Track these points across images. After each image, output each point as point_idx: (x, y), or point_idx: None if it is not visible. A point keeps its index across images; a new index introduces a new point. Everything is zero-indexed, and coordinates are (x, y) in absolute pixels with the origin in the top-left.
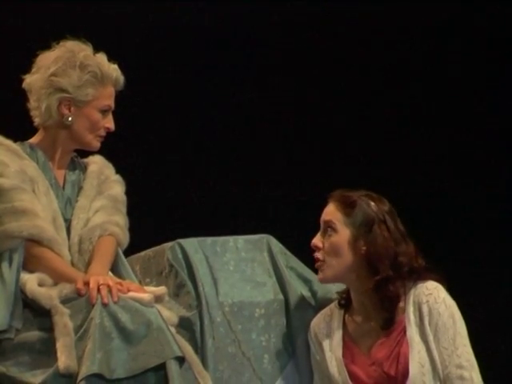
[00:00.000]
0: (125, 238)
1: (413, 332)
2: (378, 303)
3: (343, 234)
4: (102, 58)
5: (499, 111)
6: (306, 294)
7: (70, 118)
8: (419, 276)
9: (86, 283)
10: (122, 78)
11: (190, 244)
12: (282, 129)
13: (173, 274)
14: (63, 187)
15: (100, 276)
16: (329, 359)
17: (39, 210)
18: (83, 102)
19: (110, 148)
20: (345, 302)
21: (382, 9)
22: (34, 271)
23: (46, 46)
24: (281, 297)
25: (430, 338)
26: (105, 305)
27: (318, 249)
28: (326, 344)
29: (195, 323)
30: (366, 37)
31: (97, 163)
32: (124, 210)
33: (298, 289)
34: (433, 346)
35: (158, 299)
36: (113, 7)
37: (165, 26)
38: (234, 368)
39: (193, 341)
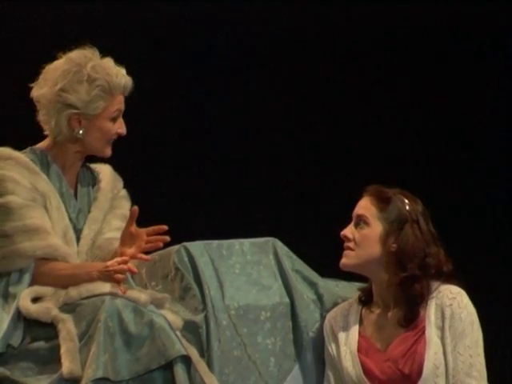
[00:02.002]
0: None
1: (432, 333)
2: (401, 300)
3: (375, 228)
4: (109, 64)
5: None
6: (312, 297)
7: (81, 132)
8: (445, 279)
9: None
10: (130, 83)
11: (196, 247)
12: (288, 130)
13: (179, 278)
14: (75, 195)
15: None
16: (343, 353)
17: (49, 226)
18: (93, 115)
19: (115, 152)
20: (365, 298)
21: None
22: (44, 285)
23: (53, 52)
24: (286, 300)
25: (448, 341)
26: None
27: (347, 239)
28: (341, 337)
29: (201, 326)
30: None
31: (108, 175)
32: None
33: (303, 292)
34: (449, 349)
35: (157, 303)
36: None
37: (163, 27)
38: (240, 371)
39: (199, 344)
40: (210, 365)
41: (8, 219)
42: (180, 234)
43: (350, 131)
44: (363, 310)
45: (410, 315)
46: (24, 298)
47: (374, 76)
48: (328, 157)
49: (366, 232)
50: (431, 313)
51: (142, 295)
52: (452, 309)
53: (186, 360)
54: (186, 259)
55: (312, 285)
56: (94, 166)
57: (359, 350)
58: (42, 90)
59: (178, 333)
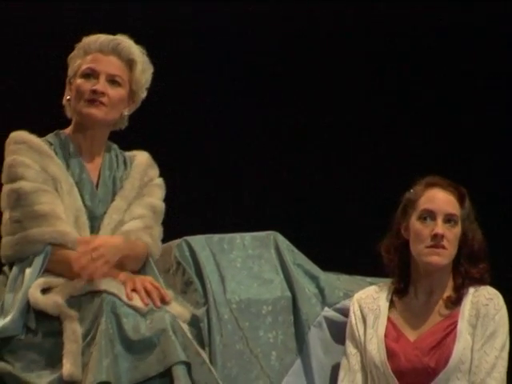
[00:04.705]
0: (157, 250)
1: (463, 328)
2: (456, 285)
3: (460, 226)
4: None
5: None
6: (313, 290)
7: (68, 97)
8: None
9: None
10: (112, 42)
11: (197, 241)
12: (287, 128)
13: (180, 272)
14: (97, 182)
15: (131, 278)
16: (369, 335)
17: (60, 211)
18: (72, 77)
19: (123, 144)
20: (399, 287)
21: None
22: (59, 274)
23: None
24: (288, 294)
25: (477, 338)
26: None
27: (442, 238)
28: (369, 319)
29: (203, 320)
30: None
31: (142, 163)
32: (160, 221)
33: (305, 286)
34: (476, 347)
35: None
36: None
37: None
38: (242, 365)
39: (200, 338)
40: (211, 358)
41: (19, 205)
42: (181, 228)
43: (351, 129)
44: (394, 297)
45: (457, 298)
46: (34, 288)
47: (370, 79)
48: (330, 154)
49: (456, 231)
50: (466, 309)
51: (143, 306)
52: (487, 309)
53: (187, 364)
54: (187, 253)
55: (313, 278)
56: (131, 153)
57: (386, 335)
58: None
59: (185, 326)
